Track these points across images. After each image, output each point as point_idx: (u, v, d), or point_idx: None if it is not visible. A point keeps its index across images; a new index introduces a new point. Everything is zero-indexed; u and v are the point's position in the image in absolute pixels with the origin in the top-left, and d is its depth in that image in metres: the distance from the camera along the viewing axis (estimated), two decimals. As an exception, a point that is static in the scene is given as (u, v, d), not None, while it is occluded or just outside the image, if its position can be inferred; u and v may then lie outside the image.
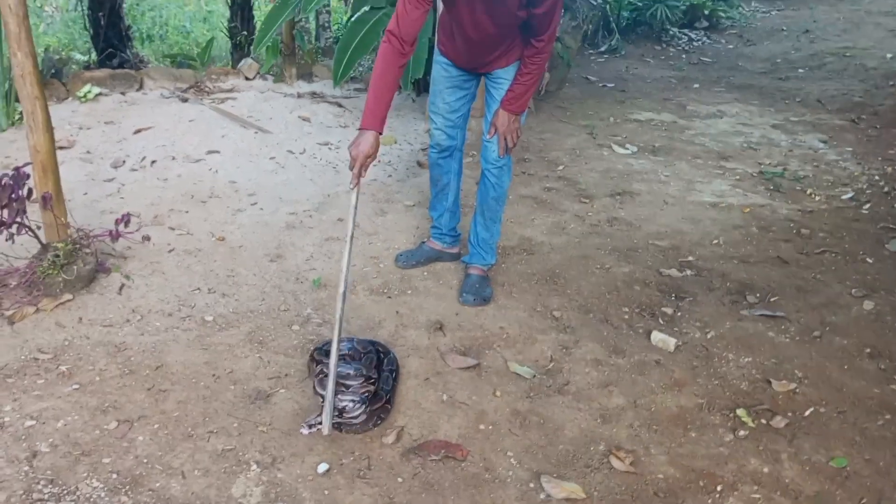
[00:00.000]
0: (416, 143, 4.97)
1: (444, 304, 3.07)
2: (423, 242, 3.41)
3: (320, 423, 2.27)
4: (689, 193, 4.43)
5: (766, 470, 2.25)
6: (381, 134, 2.52)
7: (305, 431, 2.27)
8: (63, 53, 6.64)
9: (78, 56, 6.89)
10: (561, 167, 4.76)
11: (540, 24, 2.59)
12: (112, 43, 6.32)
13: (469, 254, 3.23)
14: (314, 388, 2.43)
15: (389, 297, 3.09)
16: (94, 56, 6.45)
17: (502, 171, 2.99)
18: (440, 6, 2.83)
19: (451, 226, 3.34)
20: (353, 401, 2.31)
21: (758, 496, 2.15)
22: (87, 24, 6.39)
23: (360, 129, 2.51)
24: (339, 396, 2.31)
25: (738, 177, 4.74)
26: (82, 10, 6.45)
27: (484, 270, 3.19)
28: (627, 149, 5.19)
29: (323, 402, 2.29)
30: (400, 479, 2.13)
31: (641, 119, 5.98)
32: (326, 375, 2.33)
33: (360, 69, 6.43)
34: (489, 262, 3.20)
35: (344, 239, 2.48)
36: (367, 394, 2.35)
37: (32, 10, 8.48)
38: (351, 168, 2.51)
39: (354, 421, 2.30)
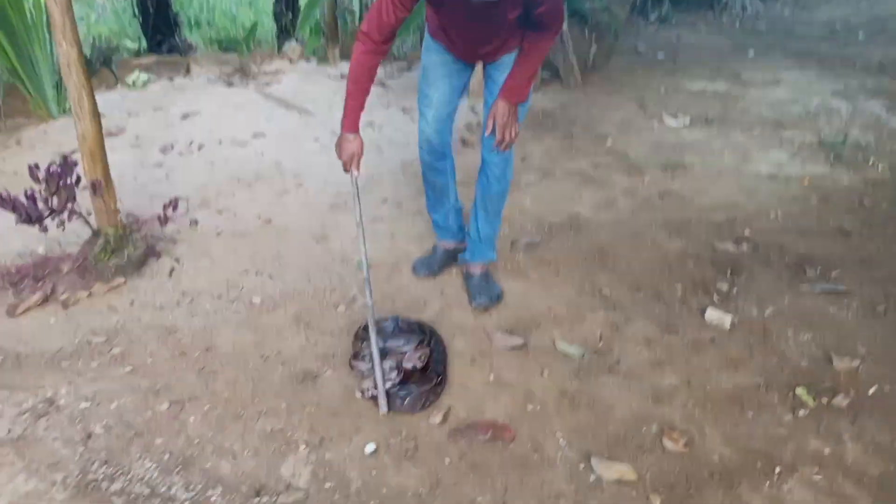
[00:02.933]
0: (459, 121, 4.91)
1: (490, 283, 3.03)
2: (436, 246, 3.16)
3: (374, 393, 2.31)
4: (744, 165, 4.27)
5: (827, 451, 2.16)
6: (358, 133, 2.55)
7: (358, 395, 2.33)
8: (114, 42, 6.76)
9: (128, 44, 7.02)
10: (610, 141, 4.65)
11: (545, 22, 2.39)
12: (161, 30, 6.42)
13: (468, 250, 2.99)
14: (349, 363, 2.46)
15: (434, 277, 3.06)
16: (143, 43, 6.56)
17: (507, 163, 2.75)
18: None
19: (460, 222, 3.08)
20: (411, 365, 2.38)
21: (819, 478, 2.06)
22: (137, 13, 6.50)
23: (341, 132, 2.55)
24: (391, 361, 2.39)
25: (796, 146, 4.55)
26: (131, -1, 6.56)
27: (486, 267, 2.98)
28: (679, 120, 5.03)
29: (365, 377, 2.36)
30: (447, 460, 2.11)
31: (694, 89, 5.79)
32: (361, 355, 2.42)
33: (404, 49, 6.40)
34: (490, 257, 2.98)
35: (359, 223, 2.56)
36: (423, 356, 2.39)
37: (84, 0, 8.66)
38: (345, 170, 2.59)
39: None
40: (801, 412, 2.30)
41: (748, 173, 4.15)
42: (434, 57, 2.70)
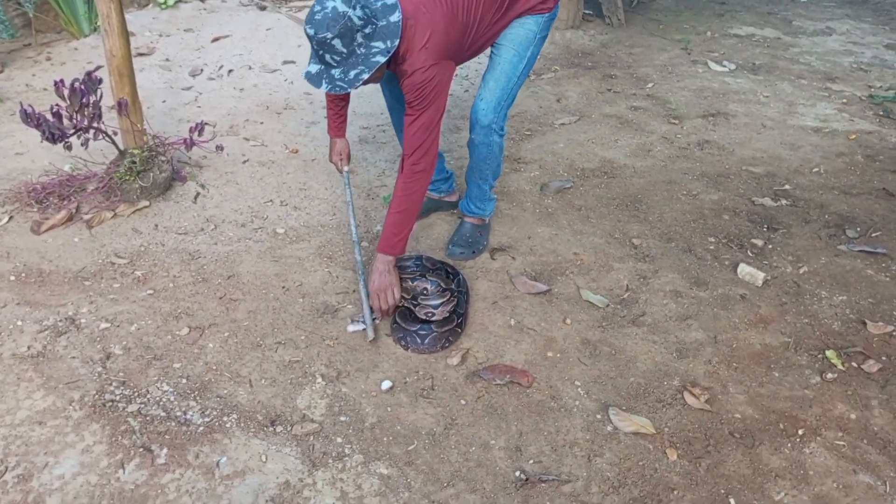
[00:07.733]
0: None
1: (516, 227, 2.96)
2: None
3: (363, 324, 2.32)
4: (789, 116, 4.10)
5: (853, 416, 2.10)
6: (343, 137, 2.71)
7: (351, 329, 2.32)
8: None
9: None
10: (650, 84, 4.48)
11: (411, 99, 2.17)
12: (193, -52, 6.25)
13: (463, 200, 2.88)
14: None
15: (459, 218, 3.00)
16: (176, -38, 6.40)
17: (490, 130, 2.52)
18: None
19: (440, 168, 2.94)
20: (434, 307, 2.37)
21: (842, 443, 2.01)
22: (169, -71, 6.32)
23: (330, 136, 2.71)
24: (418, 308, 2.38)
25: (844, 100, 4.35)
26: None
27: (482, 220, 2.86)
28: (725, 66, 4.83)
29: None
30: (463, 402, 2.09)
31: (742, 34, 5.54)
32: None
33: None
34: (481, 213, 2.83)
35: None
36: (450, 309, 2.36)
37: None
38: (338, 170, 2.74)
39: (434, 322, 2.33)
40: (830, 375, 2.24)
41: (793, 126, 3.98)
42: None
